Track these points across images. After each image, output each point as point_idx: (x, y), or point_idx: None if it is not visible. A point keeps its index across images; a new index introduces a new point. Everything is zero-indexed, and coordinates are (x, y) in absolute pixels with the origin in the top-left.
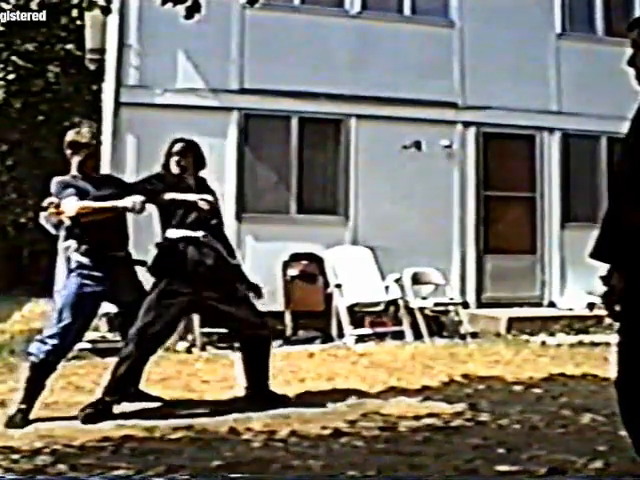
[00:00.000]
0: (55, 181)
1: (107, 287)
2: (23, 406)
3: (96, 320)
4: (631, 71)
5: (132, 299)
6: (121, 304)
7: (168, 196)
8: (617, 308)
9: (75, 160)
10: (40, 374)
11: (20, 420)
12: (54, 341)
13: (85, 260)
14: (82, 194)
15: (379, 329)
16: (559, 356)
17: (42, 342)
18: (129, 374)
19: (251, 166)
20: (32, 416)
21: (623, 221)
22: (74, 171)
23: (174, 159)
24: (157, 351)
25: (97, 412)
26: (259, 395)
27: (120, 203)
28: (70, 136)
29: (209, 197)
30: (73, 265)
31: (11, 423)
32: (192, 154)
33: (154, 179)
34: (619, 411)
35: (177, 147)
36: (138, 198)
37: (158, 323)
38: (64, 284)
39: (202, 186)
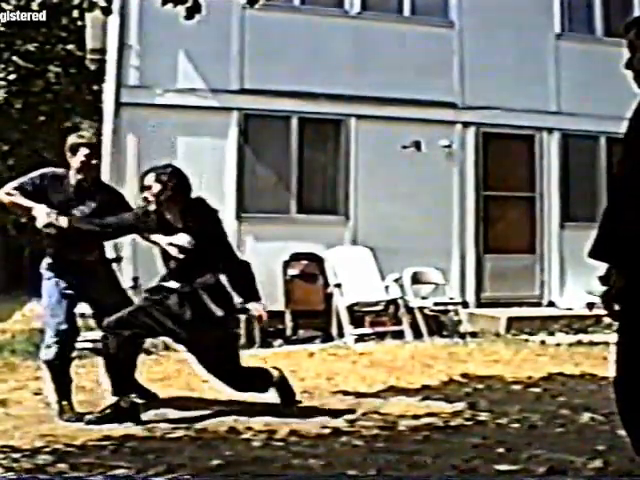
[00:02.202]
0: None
1: (79, 291)
2: (65, 402)
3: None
4: (629, 73)
5: (111, 301)
6: (99, 306)
7: (149, 237)
8: (616, 307)
9: (75, 160)
10: (59, 372)
11: (71, 413)
12: (53, 346)
13: (51, 265)
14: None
15: (379, 328)
16: (558, 355)
17: (48, 346)
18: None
19: (251, 166)
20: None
21: (624, 221)
22: (72, 173)
23: (142, 195)
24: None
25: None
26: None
27: (35, 211)
28: (71, 139)
29: (180, 239)
30: (44, 268)
31: (67, 417)
32: (165, 185)
33: (139, 212)
34: (617, 410)
35: (146, 180)
36: (52, 215)
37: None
38: (43, 289)
39: (189, 216)
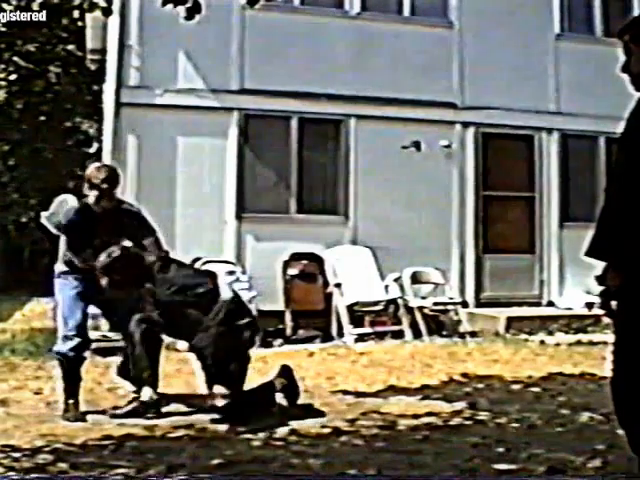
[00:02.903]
0: (65, 210)
1: (91, 291)
2: (71, 400)
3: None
4: (626, 77)
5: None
6: (111, 308)
7: None
8: (613, 307)
9: (90, 195)
10: (72, 368)
11: (75, 411)
12: (74, 339)
13: (66, 269)
14: (75, 227)
15: (379, 328)
16: (558, 355)
17: (63, 342)
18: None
19: (251, 166)
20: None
21: (620, 220)
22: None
23: None
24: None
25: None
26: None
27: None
28: (87, 174)
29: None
30: (58, 271)
31: (68, 416)
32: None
33: None
34: (614, 409)
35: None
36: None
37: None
38: (57, 289)
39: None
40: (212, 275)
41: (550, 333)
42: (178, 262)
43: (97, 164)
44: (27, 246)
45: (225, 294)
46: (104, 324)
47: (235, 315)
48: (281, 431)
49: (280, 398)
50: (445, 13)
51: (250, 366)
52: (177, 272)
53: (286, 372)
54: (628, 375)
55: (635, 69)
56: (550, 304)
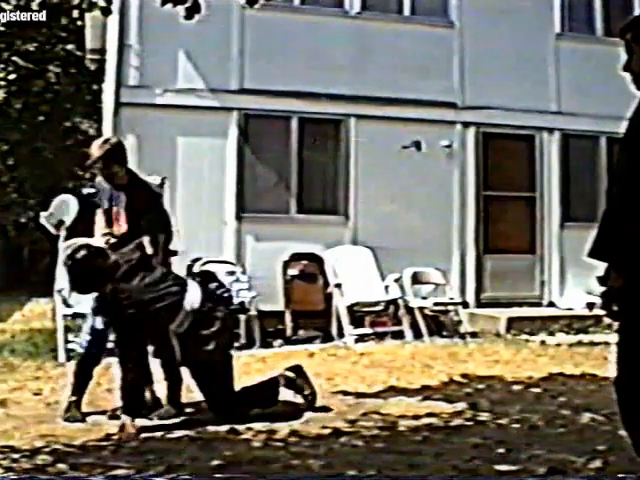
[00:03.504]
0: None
1: None
2: (74, 398)
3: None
4: (628, 76)
5: None
6: None
7: None
8: (615, 308)
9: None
10: (86, 367)
11: (75, 412)
12: (91, 339)
13: None
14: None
15: (379, 329)
16: (558, 356)
17: (82, 341)
18: None
19: (251, 166)
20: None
21: (622, 221)
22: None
23: None
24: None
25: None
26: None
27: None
28: (92, 146)
29: None
30: None
31: (68, 416)
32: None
33: None
34: (619, 411)
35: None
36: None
37: None
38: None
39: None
40: (182, 283)
41: (551, 334)
42: (151, 268)
43: (98, 141)
44: (27, 246)
45: (190, 304)
46: None
47: (201, 325)
48: (281, 432)
49: (291, 395)
50: (445, 13)
51: (250, 367)
52: (140, 282)
53: (297, 371)
54: (632, 376)
55: (637, 68)
56: (551, 304)
